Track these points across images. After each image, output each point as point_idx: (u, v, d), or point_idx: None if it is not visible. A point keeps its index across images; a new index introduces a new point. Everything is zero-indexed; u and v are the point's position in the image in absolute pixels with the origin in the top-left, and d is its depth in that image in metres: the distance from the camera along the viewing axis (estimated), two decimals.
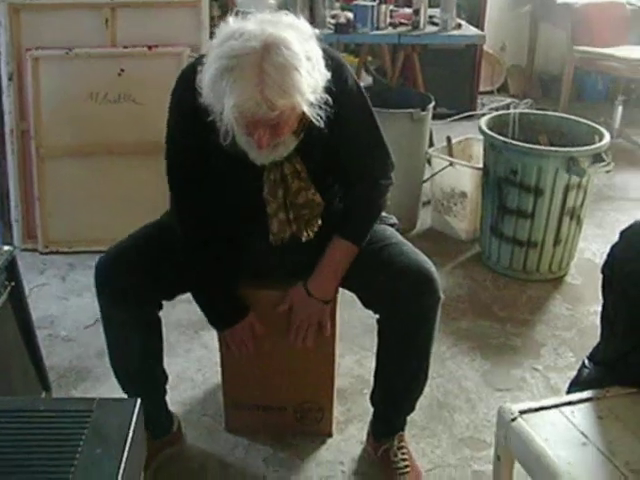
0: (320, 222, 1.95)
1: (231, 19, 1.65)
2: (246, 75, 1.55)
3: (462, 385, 2.55)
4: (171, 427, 2.22)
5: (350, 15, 3.82)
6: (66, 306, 3.01)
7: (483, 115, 3.65)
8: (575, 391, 1.82)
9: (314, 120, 1.66)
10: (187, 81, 1.74)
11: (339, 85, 1.74)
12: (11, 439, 1.13)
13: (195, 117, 1.71)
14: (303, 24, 1.67)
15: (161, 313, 2.03)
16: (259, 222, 1.91)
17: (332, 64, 1.71)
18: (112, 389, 2.18)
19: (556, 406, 1.68)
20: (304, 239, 1.94)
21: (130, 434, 1.13)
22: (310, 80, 1.61)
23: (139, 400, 1.20)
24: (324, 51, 1.69)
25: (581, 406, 1.69)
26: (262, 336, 2.05)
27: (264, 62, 1.55)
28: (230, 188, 1.90)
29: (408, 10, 4.02)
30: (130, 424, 1.15)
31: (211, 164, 1.86)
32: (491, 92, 5.86)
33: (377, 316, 1.99)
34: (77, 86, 3.34)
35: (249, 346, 2.05)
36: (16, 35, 3.32)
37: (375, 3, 3.77)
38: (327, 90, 1.66)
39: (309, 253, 1.97)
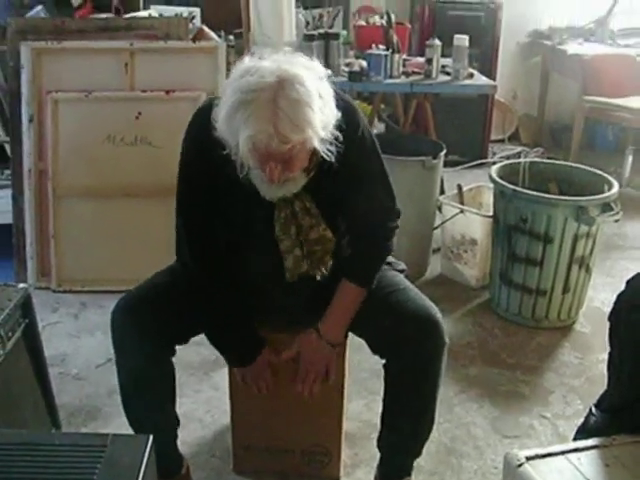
0: (331, 261, 1.97)
1: (247, 58, 1.70)
2: (261, 109, 1.59)
3: (470, 431, 2.55)
4: (180, 469, 2.22)
5: (364, 63, 3.89)
6: (78, 345, 3.03)
7: (494, 163, 3.69)
8: (582, 438, 1.83)
9: (324, 155, 1.70)
10: (203, 117, 1.78)
11: (350, 127, 1.78)
12: (25, 472, 1.14)
13: (209, 152, 1.74)
14: (316, 65, 1.72)
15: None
16: (273, 261, 1.94)
17: (344, 106, 1.76)
18: (122, 428, 2.19)
19: (563, 453, 1.69)
20: (318, 277, 1.97)
21: (142, 470, 1.14)
22: (322, 116, 1.65)
23: (151, 437, 1.22)
24: (336, 94, 1.74)
25: (588, 453, 1.70)
26: (276, 380, 2.07)
27: (278, 97, 1.60)
28: (242, 226, 1.93)
29: (421, 59, 4.09)
30: (142, 460, 1.16)
31: (222, 201, 1.89)
32: (502, 140, 5.91)
33: (383, 361, 2.00)
34: (95, 128, 3.41)
35: (267, 380, 2.07)
36: (37, 78, 3.40)
37: (388, 52, 3.84)
38: (338, 128, 1.71)
39: (322, 292, 1.99)
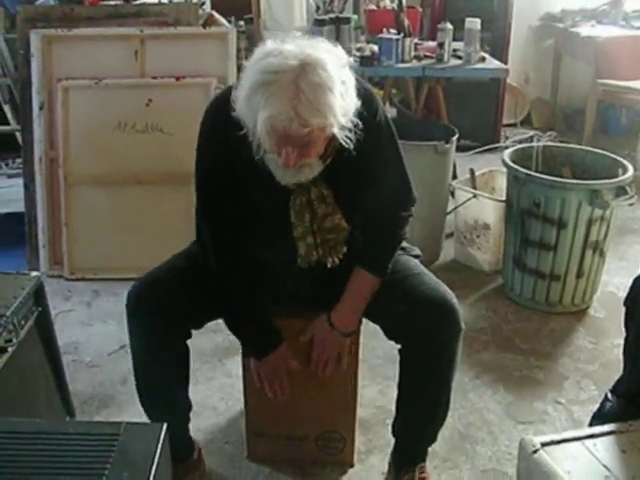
0: (345, 249, 1.96)
1: (269, 41, 1.68)
2: (282, 90, 1.58)
3: (484, 417, 2.54)
4: (192, 454, 2.22)
5: (375, 48, 3.87)
6: (90, 332, 3.04)
7: (506, 148, 3.67)
8: (597, 424, 1.82)
9: (343, 142, 1.69)
10: (221, 101, 1.78)
11: (368, 114, 1.76)
12: (38, 460, 1.14)
13: (226, 134, 1.72)
14: (339, 51, 1.70)
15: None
16: (286, 246, 1.93)
17: (363, 94, 1.74)
18: (135, 416, 2.20)
19: (578, 439, 1.68)
20: (329, 265, 1.96)
21: (156, 459, 1.13)
22: (343, 103, 1.64)
23: (165, 425, 1.21)
24: (357, 80, 1.73)
25: (604, 439, 1.69)
26: (292, 374, 2.06)
27: (300, 80, 1.58)
28: (258, 211, 1.91)
29: (432, 43, 4.06)
30: (157, 449, 1.16)
31: (240, 185, 1.87)
32: (514, 125, 5.87)
33: (399, 346, 1.99)
34: (105, 116, 3.40)
35: (283, 381, 2.06)
36: (48, 66, 3.40)
37: (400, 36, 3.81)
38: (358, 115, 1.69)
39: (334, 279, 1.98)
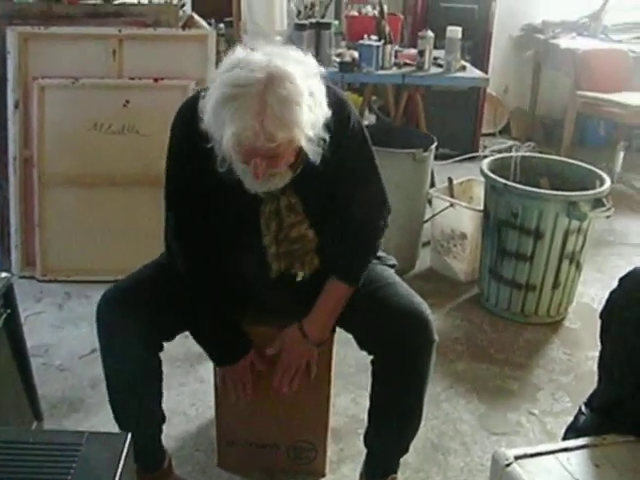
0: (317, 262, 1.94)
1: (239, 48, 1.66)
2: (248, 105, 1.55)
3: (457, 428, 2.53)
4: (163, 463, 2.19)
5: (355, 54, 3.86)
6: (61, 335, 2.99)
7: (485, 157, 3.66)
8: (571, 437, 1.81)
9: (310, 156, 1.66)
10: (189, 108, 1.74)
11: (340, 124, 1.75)
12: None
13: (195, 143, 1.70)
14: (309, 60, 1.68)
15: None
16: (257, 255, 1.91)
17: (335, 102, 1.72)
18: (105, 421, 2.17)
19: (552, 452, 1.67)
20: (299, 278, 1.94)
21: (119, 469, 1.10)
22: (310, 116, 1.61)
23: (129, 435, 1.18)
24: (328, 89, 1.70)
25: (577, 453, 1.68)
26: (260, 375, 2.03)
27: (267, 94, 1.56)
28: (228, 219, 1.89)
29: (413, 51, 4.05)
30: (120, 459, 1.12)
31: (209, 194, 1.85)
32: (493, 134, 5.89)
33: (371, 357, 1.97)
34: (82, 116, 3.36)
35: (247, 386, 2.02)
36: (24, 63, 3.35)
37: (380, 43, 3.80)
38: (327, 128, 1.67)
39: (306, 291, 1.95)
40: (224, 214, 1.88)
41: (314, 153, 1.66)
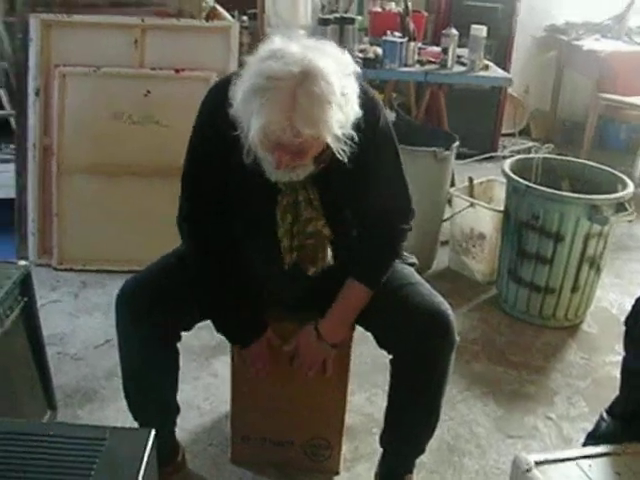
0: (330, 259, 1.91)
1: (277, 38, 1.63)
2: (278, 99, 1.53)
3: (473, 430, 2.50)
4: (176, 457, 2.18)
5: (379, 50, 3.83)
6: (77, 324, 2.99)
7: (504, 157, 3.63)
8: (592, 444, 1.79)
9: (337, 154, 1.64)
10: (219, 92, 1.72)
11: (370, 125, 1.72)
12: (18, 463, 1.10)
13: (221, 128, 1.67)
14: (346, 58, 1.65)
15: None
16: (271, 245, 1.89)
17: (366, 102, 1.69)
18: (118, 412, 2.16)
19: (573, 459, 1.64)
20: (310, 273, 1.91)
21: (143, 466, 1.09)
22: (340, 115, 1.58)
23: (153, 431, 1.16)
24: (361, 88, 1.67)
25: (598, 460, 1.65)
26: (278, 355, 2.01)
27: (298, 89, 1.53)
28: (246, 208, 1.87)
29: (436, 48, 4.02)
30: (143, 455, 1.10)
31: (229, 180, 1.83)
32: (512, 135, 5.84)
33: (390, 356, 1.95)
34: (102, 105, 3.35)
35: (265, 363, 2.01)
36: (46, 51, 3.34)
37: (404, 40, 3.77)
38: (356, 127, 1.64)
39: (320, 287, 1.93)
40: (241, 200, 1.86)
41: (341, 151, 1.64)
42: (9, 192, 3.59)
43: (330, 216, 1.87)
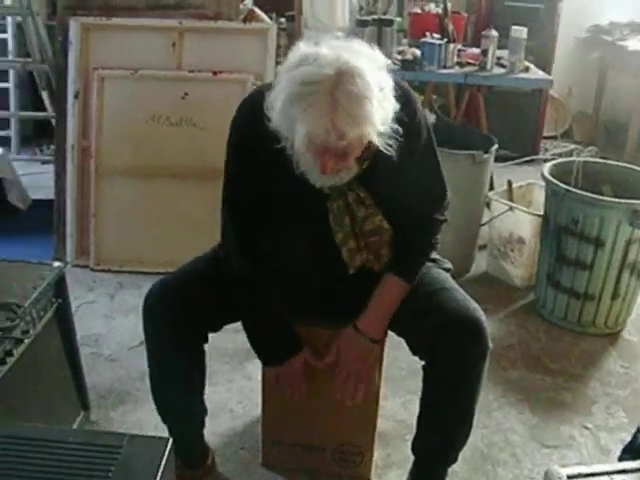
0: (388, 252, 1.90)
1: (302, 43, 1.62)
2: (318, 103, 1.52)
3: (508, 438, 2.46)
4: (205, 460, 2.18)
5: (417, 52, 3.80)
6: (112, 325, 3.01)
7: (545, 160, 3.58)
8: (628, 458, 1.74)
9: (384, 149, 1.63)
10: (253, 104, 1.71)
11: (407, 117, 1.70)
12: (35, 470, 1.10)
13: (258, 140, 1.67)
14: (377, 53, 1.64)
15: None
16: (324, 253, 1.87)
17: (401, 96, 1.67)
18: (151, 414, 2.16)
19: (607, 473, 1.59)
20: (377, 269, 1.90)
21: (159, 474, 1.08)
22: (381, 111, 1.57)
23: (170, 440, 1.16)
24: (395, 83, 1.66)
25: (634, 476, 1.60)
26: (310, 375, 2.00)
27: (337, 90, 1.52)
28: (292, 218, 1.86)
29: (476, 50, 3.98)
30: (160, 464, 1.10)
31: (271, 191, 1.82)
32: (554, 137, 5.76)
33: (423, 362, 1.93)
34: (140, 107, 3.37)
35: (300, 386, 2.00)
36: (85, 54, 3.38)
37: (443, 41, 3.74)
38: (397, 120, 1.63)
39: (371, 287, 1.91)
40: (287, 213, 1.85)
41: (386, 146, 1.62)
42: (49, 193, 3.64)
43: (385, 211, 1.86)
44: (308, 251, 1.89)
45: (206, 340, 1.97)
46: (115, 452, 1.11)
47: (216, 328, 1.99)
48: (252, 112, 1.71)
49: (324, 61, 1.54)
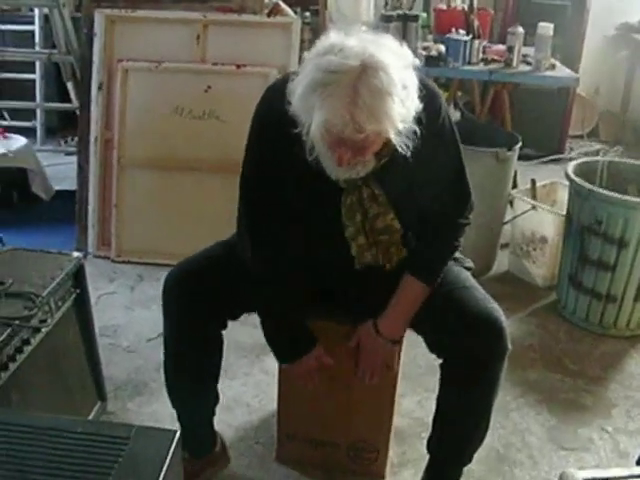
0: (404, 253, 1.89)
1: (333, 33, 1.60)
2: (339, 93, 1.50)
3: (525, 439, 2.44)
4: (214, 447, 2.17)
5: (442, 48, 3.77)
6: (131, 317, 3.02)
7: (571, 159, 3.54)
8: None
9: (400, 149, 1.61)
10: (276, 92, 1.70)
11: (430, 117, 1.68)
12: (43, 459, 1.10)
13: (279, 128, 1.66)
14: (405, 51, 1.61)
15: (224, 333, 2.00)
16: (336, 247, 1.86)
17: (427, 95, 1.65)
18: (167, 406, 2.16)
19: (624, 478, 1.57)
20: (388, 267, 1.89)
21: (165, 467, 1.08)
22: (402, 109, 1.55)
23: (177, 432, 1.16)
24: (420, 81, 1.63)
25: None
26: (328, 369, 1.98)
27: (359, 83, 1.50)
28: (307, 209, 1.84)
29: (502, 47, 3.94)
30: (167, 456, 1.10)
31: (288, 180, 1.80)
32: (581, 136, 5.71)
33: (440, 360, 1.91)
34: (163, 100, 3.38)
35: (314, 379, 1.99)
36: (109, 46, 3.39)
37: (469, 38, 3.70)
38: (418, 121, 1.60)
39: (385, 284, 1.89)
40: (302, 203, 1.84)
41: (403, 146, 1.60)
42: (72, 184, 3.67)
43: (397, 210, 1.84)
44: (320, 244, 1.87)
45: (224, 326, 1.97)
46: (123, 443, 1.11)
47: (234, 315, 1.98)
48: (274, 98, 1.69)
49: (350, 52, 1.52)
